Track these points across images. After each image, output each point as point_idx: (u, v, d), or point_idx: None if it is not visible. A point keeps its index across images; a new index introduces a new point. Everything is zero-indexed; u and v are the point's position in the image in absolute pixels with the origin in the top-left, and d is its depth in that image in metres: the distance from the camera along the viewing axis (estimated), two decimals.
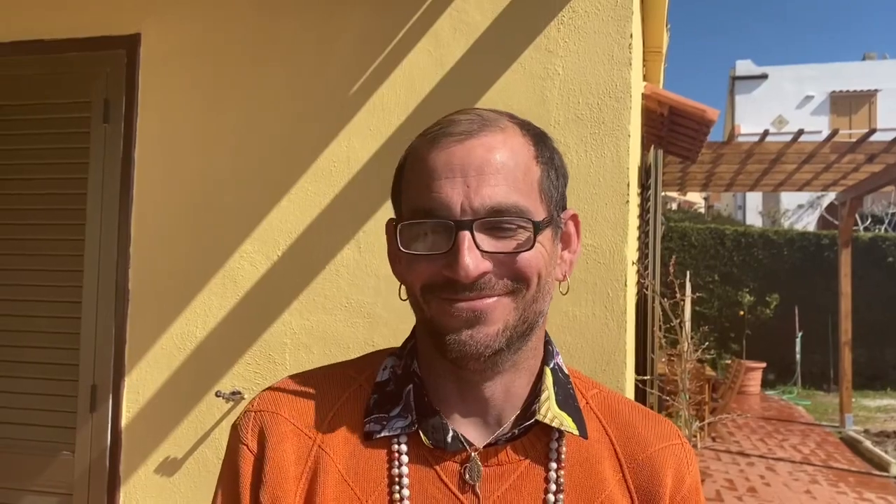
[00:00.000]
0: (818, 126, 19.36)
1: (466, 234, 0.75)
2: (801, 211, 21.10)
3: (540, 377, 0.86)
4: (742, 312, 13.65)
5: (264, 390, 0.90)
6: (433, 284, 0.79)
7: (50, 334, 2.67)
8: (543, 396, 0.84)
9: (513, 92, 2.30)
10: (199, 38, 2.61)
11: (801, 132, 7.50)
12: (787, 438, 8.95)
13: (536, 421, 0.82)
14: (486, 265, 0.76)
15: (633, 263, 2.90)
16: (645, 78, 4.87)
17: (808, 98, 23.46)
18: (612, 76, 2.24)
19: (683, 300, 5.68)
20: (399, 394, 0.85)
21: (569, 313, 2.22)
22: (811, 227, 19.34)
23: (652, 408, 3.19)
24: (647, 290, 4.35)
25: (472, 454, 0.82)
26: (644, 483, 0.85)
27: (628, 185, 2.22)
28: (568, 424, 0.83)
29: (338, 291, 2.43)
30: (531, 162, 0.81)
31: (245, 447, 0.84)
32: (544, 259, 0.80)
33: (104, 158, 2.64)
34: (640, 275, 4.05)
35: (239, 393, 2.49)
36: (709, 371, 8.94)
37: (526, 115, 2.48)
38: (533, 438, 0.84)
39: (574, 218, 0.88)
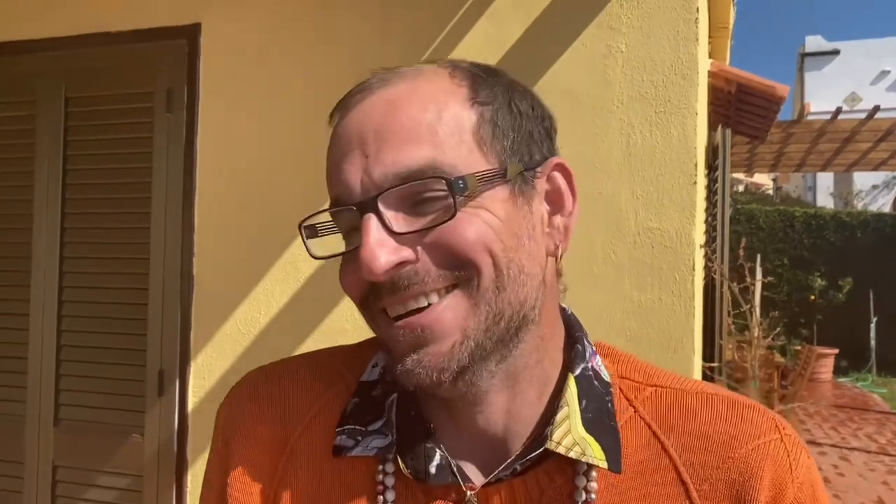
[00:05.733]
0: (895, 103, 18.56)
1: (370, 218, 0.57)
2: (875, 192, 20.28)
3: (561, 388, 0.65)
4: (813, 297, 13.21)
5: (248, 374, 0.76)
6: (364, 295, 0.62)
7: (119, 320, 2.73)
8: (560, 415, 0.63)
9: (574, 71, 2.23)
10: (257, 27, 2.62)
11: (876, 108, 7.20)
12: (862, 427, 8.65)
13: (547, 450, 0.62)
14: (404, 253, 0.58)
15: (701, 247, 2.81)
16: (711, 55, 4.72)
17: (884, 73, 22.50)
18: (678, 53, 2.16)
19: (753, 285, 5.51)
20: (382, 403, 0.68)
21: (633, 299, 2.16)
22: (886, 209, 18.58)
23: None
24: (714, 274, 4.23)
25: (468, 493, 0.63)
26: None
27: (696, 165, 2.14)
28: (592, 452, 0.62)
29: None
30: (460, 106, 0.60)
31: (218, 438, 0.73)
32: (494, 228, 0.58)
33: (167, 147, 2.68)
34: (708, 259, 3.94)
35: None
36: (778, 358, 8.70)
37: (588, 95, 2.40)
38: (552, 470, 0.63)
39: (561, 167, 0.65)
